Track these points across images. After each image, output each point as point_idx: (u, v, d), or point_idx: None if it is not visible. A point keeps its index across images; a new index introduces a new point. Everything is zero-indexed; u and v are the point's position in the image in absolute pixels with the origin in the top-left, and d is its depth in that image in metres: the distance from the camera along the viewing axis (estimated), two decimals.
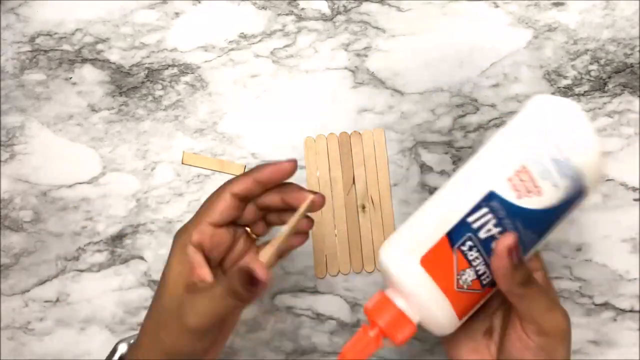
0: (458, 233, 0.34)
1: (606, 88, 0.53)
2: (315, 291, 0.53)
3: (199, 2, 0.56)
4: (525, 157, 0.34)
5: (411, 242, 0.35)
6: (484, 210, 0.34)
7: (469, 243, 0.34)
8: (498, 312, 0.39)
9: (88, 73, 0.56)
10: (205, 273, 0.38)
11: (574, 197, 0.35)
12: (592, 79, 0.53)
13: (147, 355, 0.38)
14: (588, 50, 0.54)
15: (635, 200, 0.52)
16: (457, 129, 0.54)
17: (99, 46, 0.56)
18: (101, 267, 0.54)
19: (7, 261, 0.55)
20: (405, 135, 0.54)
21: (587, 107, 0.53)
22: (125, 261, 0.54)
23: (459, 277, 0.34)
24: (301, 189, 0.39)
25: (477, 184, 0.35)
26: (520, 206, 0.34)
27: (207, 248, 0.38)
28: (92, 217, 0.55)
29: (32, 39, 0.57)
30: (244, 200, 0.39)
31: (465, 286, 0.34)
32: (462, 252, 0.34)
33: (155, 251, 0.54)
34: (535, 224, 0.35)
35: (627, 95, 0.53)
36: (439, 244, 0.34)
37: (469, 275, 0.34)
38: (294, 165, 0.38)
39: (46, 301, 0.54)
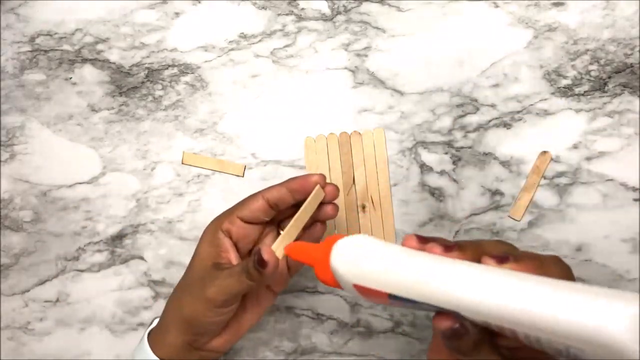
0: (399, 300, 0.32)
1: (606, 88, 0.53)
2: (315, 291, 0.53)
3: (199, 2, 0.56)
4: None
5: (363, 269, 0.33)
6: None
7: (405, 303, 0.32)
8: None
9: (88, 73, 0.56)
10: (231, 256, 0.44)
11: None
12: (592, 79, 0.53)
13: (170, 319, 0.44)
14: (588, 50, 0.54)
15: (635, 200, 0.52)
16: (457, 129, 0.54)
17: (99, 46, 0.56)
18: (101, 267, 0.54)
19: (7, 261, 0.55)
20: (405, 135, 0.54)
21: (587, 107, 0.53)
22: (125, 261, 0.54)
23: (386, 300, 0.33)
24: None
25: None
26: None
27: (235, 237, 0.44)
28: (92, 217, 0.55)
29: (32, 39, 0.57)
30: (274, 206, 0.44)
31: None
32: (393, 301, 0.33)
33: (155, 251, 0.54)
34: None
35: (627, 95, 0.53)
36: (378, 292, 0.32)
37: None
38: (322, 178, 0.43)
39: (46, 301, 0.54)
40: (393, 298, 0.32)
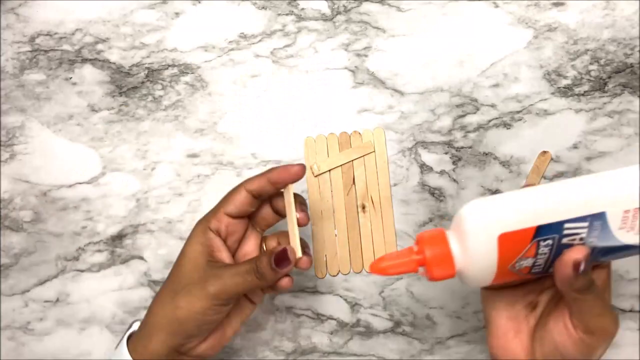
0: (548, 230, 0.34)
1: (606, 88, 0.53)
2: (315, 291, 0.53)
3: (199, 2, 0.56)
4: None
5: (504, 216, 0.35)
6: (585, 224, 0.35)
7: (549, 242, 0.35)
8: (548, 290, 0.40)
9: (88, 73, 0.56)
10: (223, 255, 0.44)
11: None
12: (592, 79, 0.53)
13: (157, 323, 0.42)
14: (588, 50, 0.54)
15: None
16: (457, 129, 0.54)
17: (99, 46, 0.56)
18: (101, 267, 0.54)
19: (7, 261, 0.55)
20: (405, 135, 0.54)
21: (587, 107, 0.53)
22: (125, 261, 0.54)
23: (518, 261, 0.35)
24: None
25: (596, 199, 0.35)
26: (615, 236, 0.35)
27: (223, 234, 0.44)
28: (92, 217, 0.55)
29: (32, 39, 0.57)
30: (257, 196, 0.44)
31: (516, 268, 0.35)
32: (538, 245, 0.35)
33: (155, 251, 0.54)
34: (614, 251, 0.36)
35: (627, 95, 0.53)
36: (525, 230, 0.34)
37: (527, 262, 0.35)
38: (302, 169, 0.42)
39: (46, 301, 0.54)
40: (540, 234, 0.34)
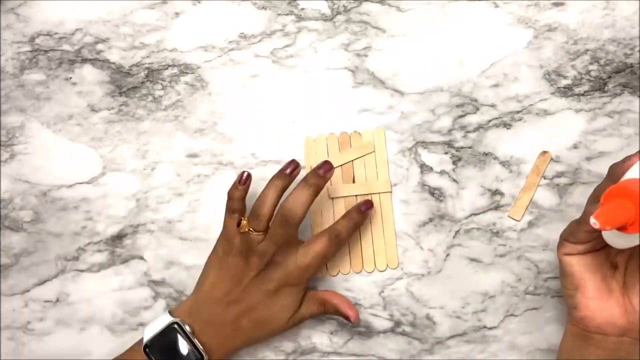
0: None
1: (606, 88, 0.53)
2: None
3: (199, 2, 0.56)
4: None
5: None
6: None
7: None
8: (623, 252, 0.41)
9: (88, 73, 0.56)
10: None
11: None
12: (592, 79, 0.53)
13: None
14: (588, 50, 0.54)
15: None
16: (457, 129, 0.54)
17: (99, 46, 0.56)
18: (101, 267, 0.54)
19: (7, 261, 0.55)
20: (405, 135, 0.54)
21: (587, 107, 0.53)
22: (125, 261, 0.54)
23: None
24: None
25: None
26: None
27: None
28: (92, 217, 0.55)
29: (32, 39, 0.57)
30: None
31: None
32: None
33: (155, 251, 0.54)
34: None
35: (627, 95, 0.53)
36: None
37: None
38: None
39: (46, 301, 0.54)
40: None
